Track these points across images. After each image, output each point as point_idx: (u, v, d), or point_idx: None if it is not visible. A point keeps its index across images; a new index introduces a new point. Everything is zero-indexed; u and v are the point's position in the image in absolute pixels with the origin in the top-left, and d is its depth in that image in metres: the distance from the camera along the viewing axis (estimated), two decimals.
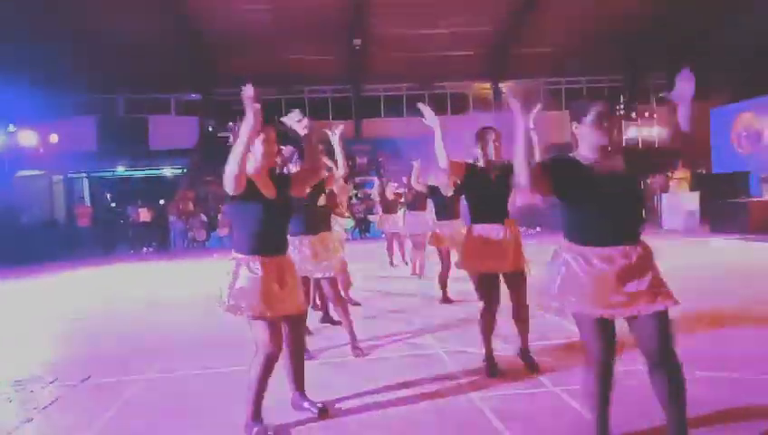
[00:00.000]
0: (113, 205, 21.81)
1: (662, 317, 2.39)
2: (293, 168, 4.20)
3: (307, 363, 3.40)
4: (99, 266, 13.14)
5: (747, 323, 4.88)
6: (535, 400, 3.36)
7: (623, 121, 18.30)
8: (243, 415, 2.93)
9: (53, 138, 18.53)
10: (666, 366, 2.39)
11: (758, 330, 4.68)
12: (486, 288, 3.83)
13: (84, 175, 22.75)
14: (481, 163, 3.85)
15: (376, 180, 10.67)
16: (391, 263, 9.81)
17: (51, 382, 4.18)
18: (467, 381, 3.72)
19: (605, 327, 2.46)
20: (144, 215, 17.30)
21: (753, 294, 6.10)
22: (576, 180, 2.47)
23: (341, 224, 7.72)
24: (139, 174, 23.39)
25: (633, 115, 18.85)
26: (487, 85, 24.52)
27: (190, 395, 3.80)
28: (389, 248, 9.86)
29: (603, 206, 2.44)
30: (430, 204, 8.42)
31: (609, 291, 2.39)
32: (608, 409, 2.54)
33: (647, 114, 18.97)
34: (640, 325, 2.42)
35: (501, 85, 24.21)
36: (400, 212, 9.30)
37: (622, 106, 18.68)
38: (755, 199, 13.53)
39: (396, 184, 10.43)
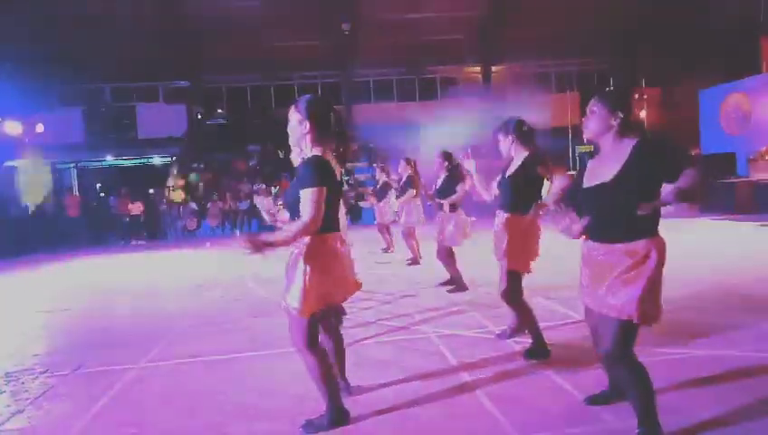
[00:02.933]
0: (102, 195, 21.66)
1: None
2: None
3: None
4: (89, 256, 13.06)
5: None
6: (527, 382, 3.38)
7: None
8: (236, 401, 2.91)
9: (39, 127, 18.33)
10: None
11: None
12: None
13: (72, 165, 22.53)
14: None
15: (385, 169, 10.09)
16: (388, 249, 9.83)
17: (42, 373, 4.16)
18: (460, 364, 3.75)
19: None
20: (135, 208, 17.10)
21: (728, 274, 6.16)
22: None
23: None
24: (128, 163, 23.20)
25: None
26: (477, 69, 24.44)
27: (184, 383, 3.80)
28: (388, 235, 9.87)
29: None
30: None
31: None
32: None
33: (636, 96, 19.01)
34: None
35: (491, 69, 24.17)
36: (392, 199, 9.20)
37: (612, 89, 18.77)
38: (743, 180, 13.65)
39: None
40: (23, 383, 3.98)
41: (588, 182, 2.58)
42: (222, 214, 17.71)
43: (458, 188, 5.97)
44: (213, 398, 3.46)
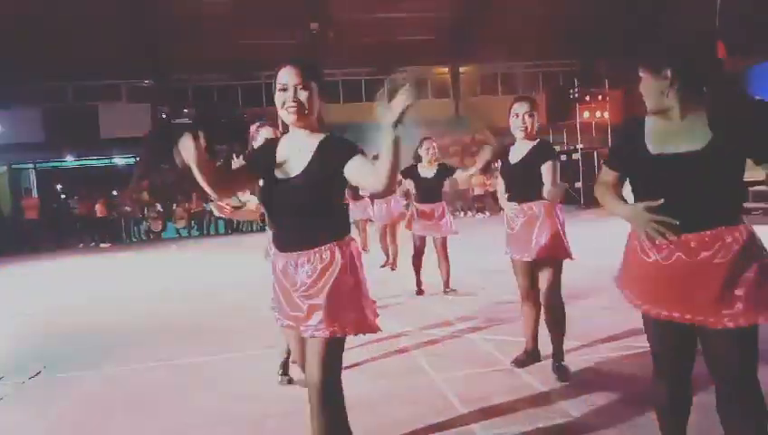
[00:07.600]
0: (63, 196, 21.09)
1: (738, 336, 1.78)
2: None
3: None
4: (49, 260, 12.67)
5: None
6: (495, 381, 3.40)
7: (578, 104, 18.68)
8: (199, 406, 2.84)
9: None
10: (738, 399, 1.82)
11: None
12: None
13: (31, 166, 21.87)
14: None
15: None
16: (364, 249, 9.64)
17: None
18: (429, 365, 3.75)
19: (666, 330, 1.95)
20: (100, 210, 16.68)
21: None
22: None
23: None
24: (89, 164, 22.62)
25: (587, 99, 19.29)
26: (446, 70, 24.61)
27: (147, 388, 3.71)
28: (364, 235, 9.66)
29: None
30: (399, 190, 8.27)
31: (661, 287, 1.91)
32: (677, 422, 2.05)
33: (599, 98, 19.38)
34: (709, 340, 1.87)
35: (460, 69, 24.38)
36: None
37: (576, 90, 19.10)
38: None
39: None
40: None
41: (657, 148, 1.88)
42: (188, 215, 17.39)
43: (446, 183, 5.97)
44: (176, 403, 3.38)
